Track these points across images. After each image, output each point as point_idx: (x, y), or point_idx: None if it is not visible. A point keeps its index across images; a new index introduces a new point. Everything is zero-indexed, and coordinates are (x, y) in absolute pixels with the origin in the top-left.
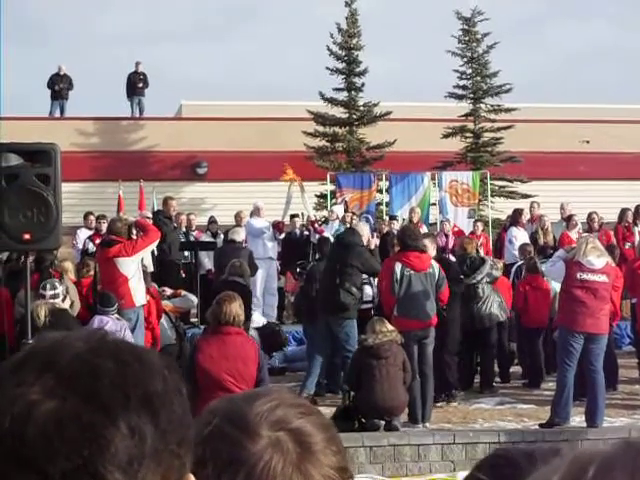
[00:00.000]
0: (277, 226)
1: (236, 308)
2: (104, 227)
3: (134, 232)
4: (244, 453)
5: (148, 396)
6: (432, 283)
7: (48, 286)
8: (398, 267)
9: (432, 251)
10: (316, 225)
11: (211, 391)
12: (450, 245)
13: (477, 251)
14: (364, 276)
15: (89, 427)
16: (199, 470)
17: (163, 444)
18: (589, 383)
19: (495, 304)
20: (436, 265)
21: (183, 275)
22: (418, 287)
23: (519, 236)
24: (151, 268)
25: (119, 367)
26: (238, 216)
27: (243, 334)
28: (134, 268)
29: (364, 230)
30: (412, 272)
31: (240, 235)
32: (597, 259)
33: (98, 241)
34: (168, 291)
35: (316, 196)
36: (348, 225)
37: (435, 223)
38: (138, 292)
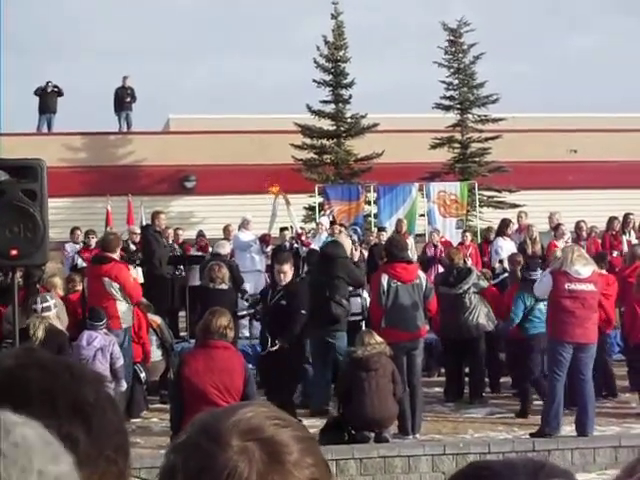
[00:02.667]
0: (264, 239)
1: (225, 322)
2: (93, 242)
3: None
4: (212, 462)
5: (79, 404)
6: (419, 294)
7: (39, 299)
8: (385, 279)
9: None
10: (303, 238)
11: (198, 405)
12: (438, 255)
13: (464, 261)
14: (351, 288)
15: None
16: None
17: (97, 450)
18: (579, 392)
19: (482, 314)
20: (423, 276)
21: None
22: (405, 298)
23: (505, 246)
24: (141, 279)
25: (48, 378)
26: (226, 230)
27: (230, 348)
28: (119, 291)
29: (346, 242)
30: (399, 283)
31: (225, 248)
32: (584, 268)
33: (87, 256)
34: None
35: (304, 208)
36: (336, 237)
37: (423, 234)
38: (125, 314)
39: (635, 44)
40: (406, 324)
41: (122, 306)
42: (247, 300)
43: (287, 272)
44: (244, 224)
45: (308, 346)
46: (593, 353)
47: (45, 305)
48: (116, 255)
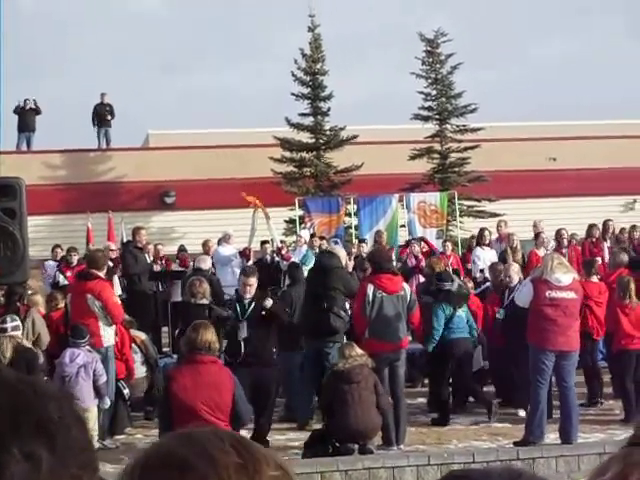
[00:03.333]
0: (244, 253)
1: (210, 336)
2: (75, 259)
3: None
4: None
5: (42, 422)
6: (403, 305)
7: (8, 319)
8: (370, 289)
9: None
10: (283, 251)
11: (187, 421)
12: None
13: (445, 270)
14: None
15: None
16: None
17: (62, 468)
18: (562, 400)
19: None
20: (407, 288)
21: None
22: (389, 309)
23: (482, 255)
24: (118, 290)
25: (10, 396)
26: (206, 245)
27: (218, 362)
28: (103, 307)
29: (342, 253)
30: (384, 294)
31: (206, 263)
32: (564, 275)
33: (69, 274)
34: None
35: (285, 221)
36: (316, 249)
37: (404, 245)
38: (107, 332)
39: (614, 51)
40: (389, 335)
41: (104, 324)
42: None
43: (253, 285)
44: (225, 238)
45: (289, 358)
46: (575, 361)
47: (13, 324)
48: (102, 273)
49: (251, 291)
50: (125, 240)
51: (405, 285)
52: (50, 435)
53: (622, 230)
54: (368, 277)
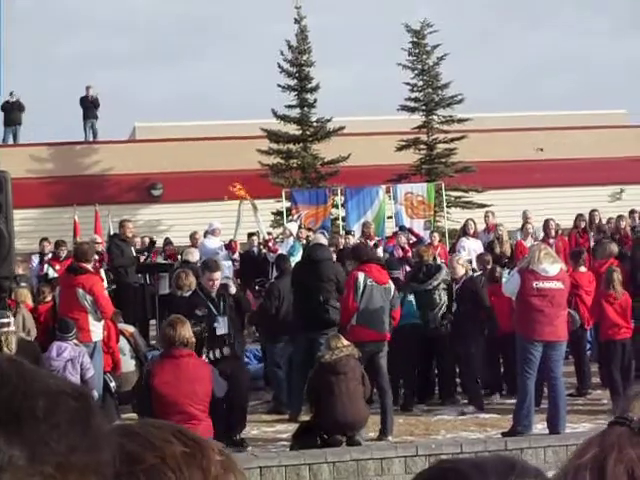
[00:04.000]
0: (229, 246)
1: (187, 331)
2: (63, 253)
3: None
4: None
5: (18, 416)
6: (388, 298)
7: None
8: (361, 277)
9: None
10: (270, 244)
11: (169, 415)
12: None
13: (434, 258)
14: None
15: None
16: None
17: (30, 465)
18: (549, 390)
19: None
20: (392, 283)
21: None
22: (378, 298)
23: (467, 245)
24: (105, 284)
25: None
26: (193, 237)
27: (194, 355)
28: (93, 302)
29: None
30: (374, 283)
31: (194, 256)
32: (551, 266)
33: (58, 267)
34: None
35: (272, 213)
36: (304, 241)
37: (391, 236)
38: (96, 327)
39: (598, 41)
40: (376, 324)
41: (93, 318)
42: None
43: (218, 280)
44: (210, 231)
45: (276, 350)
46: (563, 351)
47: (4, 321)
48: (90, 265)
49: (216, 286)
50: (112, 233)
51: (390, 281)
52: (24, 431)
53: (609, 220)
54: (359, 266)
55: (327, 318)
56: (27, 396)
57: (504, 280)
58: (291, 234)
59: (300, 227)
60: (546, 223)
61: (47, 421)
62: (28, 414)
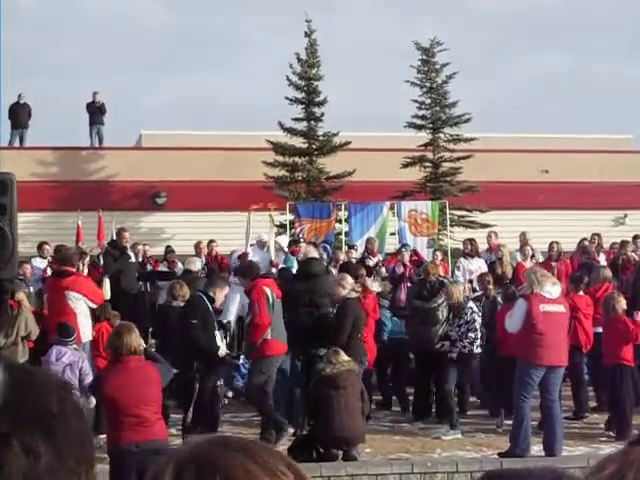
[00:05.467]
0: (241, 258)
1: (134, 339)
2: None
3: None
4: None
5: (43, 416)
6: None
7: None
8: (269, 291)
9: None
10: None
11: (121, 417)
12: (408, 274)
13: (438, 276)
14: None
15: None
16: None
17: (59, 462)
18: (546, 413)
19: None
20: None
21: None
22: (280, 312)
23: (463, 266)
24: (107, 295)
25: (11, 389)
26: (198, 246)
27: (142, 359)
28: (83, 303)
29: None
30: (276, 298)
31: (196, 265)
32: (552, 287)
33: None
34: None
35: (276, 226)
36: (302, 255)
37: (393, 253)
38: (85, 328)
39: (603, 64)
40: (284, 337)
41: (83, 320)
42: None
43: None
44: (259, 244)
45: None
46: (561, 374)
47: None
48: (74, 269)
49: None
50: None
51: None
52: (50, 429)
53: (612, 245)
54: (262, 280)
55: (326, 331)
56: (41, 394)
57: (507, 317)
58: (281, 248)
59: (297, 242)
60: (550, 245)
61: (63, 417)
62: (46, 412)
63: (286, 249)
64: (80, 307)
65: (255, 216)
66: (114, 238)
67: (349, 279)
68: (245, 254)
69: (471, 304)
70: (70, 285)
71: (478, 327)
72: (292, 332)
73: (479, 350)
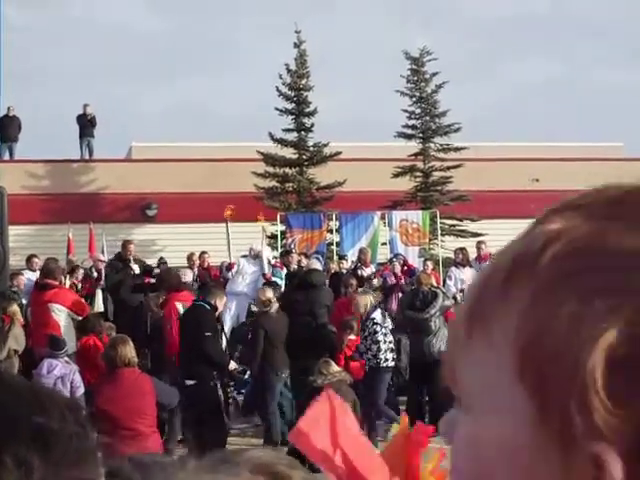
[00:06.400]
0: (229, 267)
1: (129, 351)
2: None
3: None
4: None
5: (40, 431)
6: None
7: None
8: (180, 307)
9: None
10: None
11: (115, 430)
12: (399, 284)
13: (430, 286)
14: None
15: None
16: None
17: (55, 479)
18: None
19: (445, 338)
20: None
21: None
22: None
23: (454, 275)
24: (101, 308)
25: (10, 402)
26: (190, 258)
27: (136, 371)
28: (65, 315)
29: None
30: None
31: (187, 276)
32: None
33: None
34: None
35: (267, 237)
36: (294, 266)
37: (385, 263)
38: (68, 339)
39: (594, 72)
40: None
41: (67, 332)
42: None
43: None
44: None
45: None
46: None
47: None
48: (57, 281)
49: None
50: (105, 252)
51: None
52: (46, 444)
53: None
54: (174, 295)
55: (326, 342)
56: (43, 410)
57: None
58: (268, 261)
59: (288, 252)
60: None
61: (62, 434)
62: (46, 427)
63: (272, 261)
64: (62, 318)
65: (244, 227)
66: (118, 251)
67: (268, 293)
68: (230, 265)
69: (375, 315)
70: (53, 298)
71: (381, 338)
72: (289, 342)
73: (390, 363)
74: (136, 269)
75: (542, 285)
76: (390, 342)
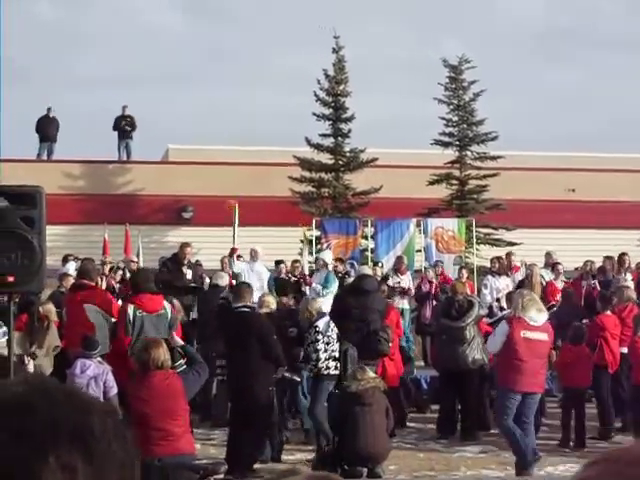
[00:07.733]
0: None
1: (162, 353)
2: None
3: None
4: None
5: (81, 434)
6: (165, 324)
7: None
8: (130, 309)
9: None
10: (307, 278)
11: (148, 431)
12: (434, 291)
13: (465, 295)
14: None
15: (19, 461)
16: None
17: None
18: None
19: (479, 347)
20: (168, 306)
21: None
22: (149, 328)
23: (490, 283)
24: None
25: (52, 406)
26: (223, 261)
27: (168, 372)
28: (99, 315)
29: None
30: (144, 314)
31: (224, 280)
32: (538, 314)
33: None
34: None
35: (301, 241)
36: (343, 272)
37: (420, 270)
38: (103, 340)
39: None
40: None
41: (101, 333)
42: None
43: None
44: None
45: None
46: (538, 398)
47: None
48: (93, 282)
49: None
50: (141, 253)
51: (166, 304)
52: (88, 448)
53: (638, 264)
54: (129, 298)
55: (376, 349)
56: (82, 414)
57: (490, 337)
58: (325, 264)
59: (338, 259)
60: (585, 264)
61: (103, 438)
62: (87, 432)
63: (330, 266)
64: (97, 319)
65: (280, 232)
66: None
67: (269, 299)
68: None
69: (319, 322)
70: (87, 298)
71: (321, 347)
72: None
73: (332, 372)
74: (188, 274)
75: None
76: (333, 351)
